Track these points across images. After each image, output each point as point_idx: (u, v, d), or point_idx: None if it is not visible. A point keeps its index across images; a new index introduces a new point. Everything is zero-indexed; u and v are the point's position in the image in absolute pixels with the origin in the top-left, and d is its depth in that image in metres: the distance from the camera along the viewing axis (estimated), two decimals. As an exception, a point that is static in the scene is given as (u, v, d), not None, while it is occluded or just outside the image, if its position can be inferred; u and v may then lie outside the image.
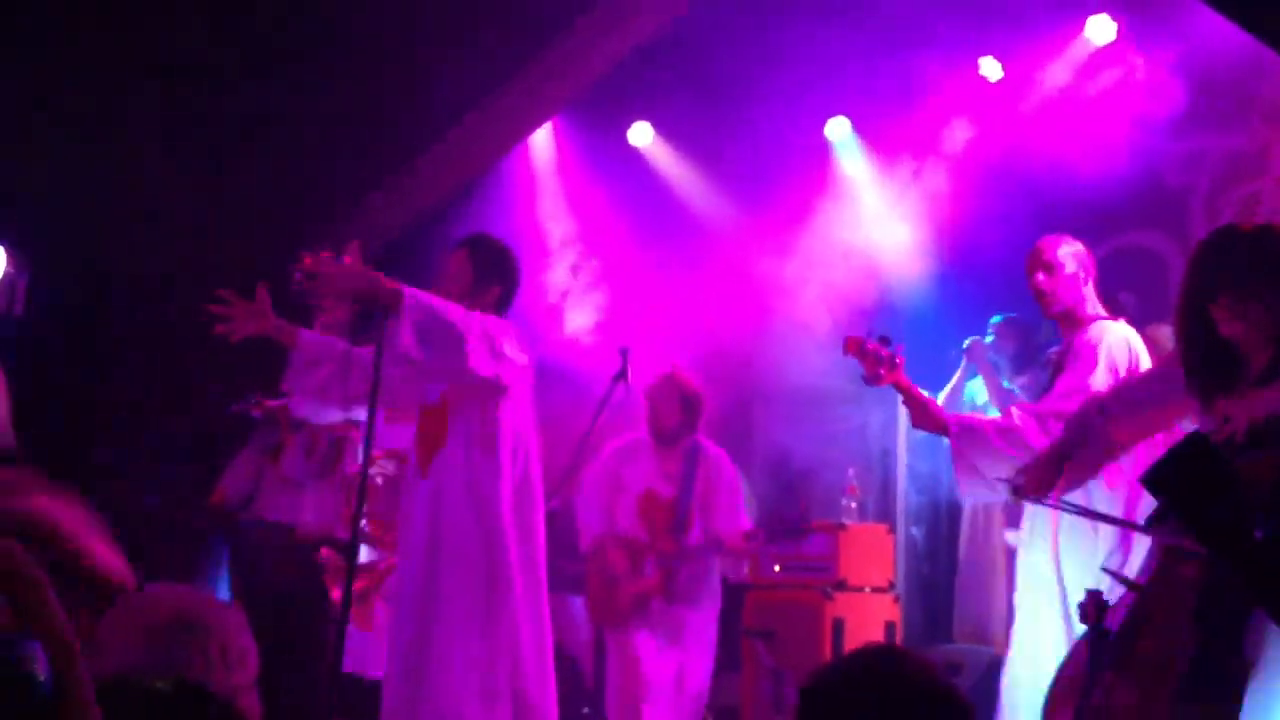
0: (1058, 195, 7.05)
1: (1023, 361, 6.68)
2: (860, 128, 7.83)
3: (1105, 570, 3.40)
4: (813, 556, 6.12)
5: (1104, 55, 7.07)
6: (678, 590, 5.60)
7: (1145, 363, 4.44)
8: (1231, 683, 2.92)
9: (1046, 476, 3.78)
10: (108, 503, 7.02)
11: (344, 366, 4.56)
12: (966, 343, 6.78)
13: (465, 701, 4.35)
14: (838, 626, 5.92)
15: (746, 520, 5.76)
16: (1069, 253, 4.60)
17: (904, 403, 4.57)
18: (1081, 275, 4.60)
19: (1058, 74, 7.17)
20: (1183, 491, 2.47)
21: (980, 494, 4.57)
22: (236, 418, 6.10)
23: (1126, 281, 7.07)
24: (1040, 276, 4.58)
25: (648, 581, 5.62)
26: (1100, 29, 7.02)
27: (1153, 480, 2.57)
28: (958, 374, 6.83)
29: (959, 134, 7.41)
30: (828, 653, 5.80)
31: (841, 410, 7.24)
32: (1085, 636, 3.01)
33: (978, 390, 6.85)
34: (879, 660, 2.16)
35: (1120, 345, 4.46)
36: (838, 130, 7.86)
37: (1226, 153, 7.02)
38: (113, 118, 7.11)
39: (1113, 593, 3.10)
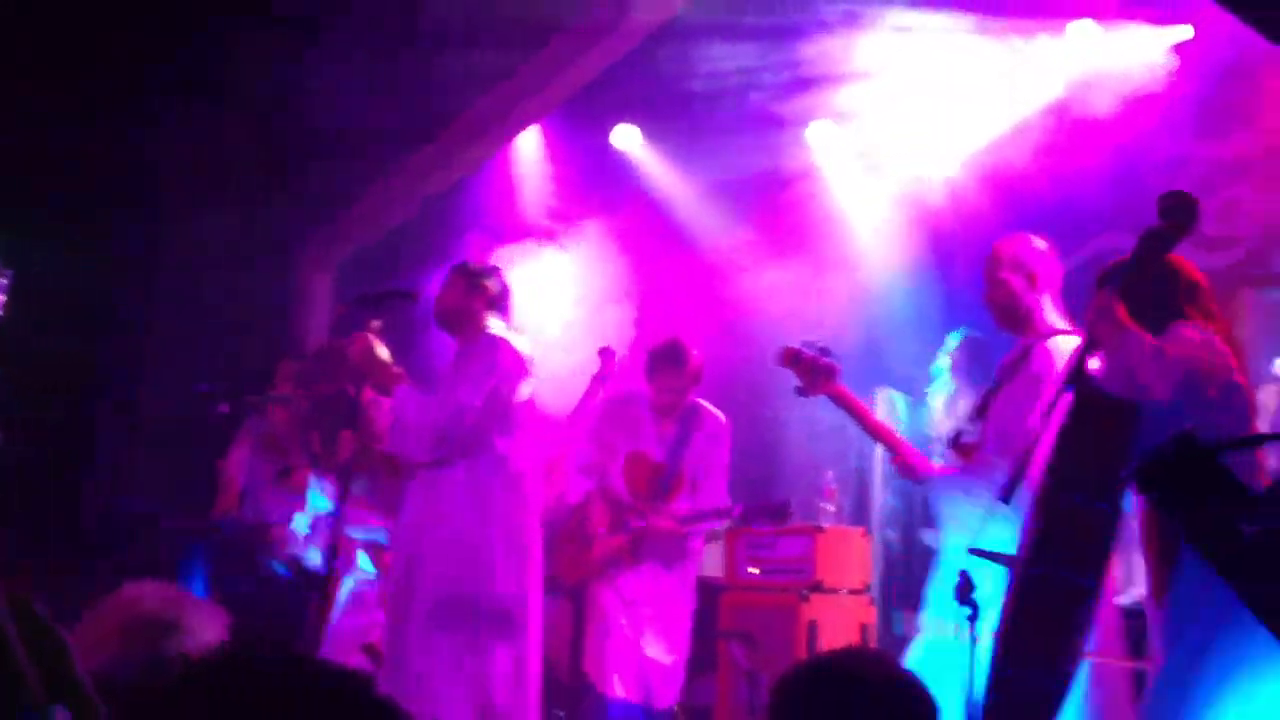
0: (1038, 200, 7.10)
1: (977, 375, 6.72)
2: (842, 132, 7.87)
3: (973, 551, 3.52)
4: (789, 559, 6.13)
5: (1085, 61, 7.12)
6: (646, 554, 5.56)
7: None
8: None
9: None
10: (88, 503, 7.05)
11: None
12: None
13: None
14: (813, 629, 5.93)
15: (725, 496, 5.72)
16: (1025, 255, 4.31)
17: (861, 426, 4.47)
18: (1038, 280, 4.30)
19: (1039, 80, 7.21)
20: (1172, 490, 2.51)
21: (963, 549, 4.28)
22: (218, 420, 6.13)
23: (1104, 286, 7.13)
24: (985, 287, 4.35)
25: (616, 542, 5.60)
26: (1082, 34, 7.08)
27: (1142, 478, 2.62)
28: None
29: (938, 140, 7.45)
30: (803, 654, 5.82)
31: (818, 412, 7.27)
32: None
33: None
34: (848, 659, 2.21)
35: None
36: (820, 134, 7.90)
37: (1206, 159, 7.07)
38: (116, 128, 7.18)
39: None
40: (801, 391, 4.50)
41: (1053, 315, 4.32)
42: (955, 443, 4.38)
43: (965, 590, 3.25)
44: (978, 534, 4.08)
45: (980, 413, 4.36)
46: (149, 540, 5.99)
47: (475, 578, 4.59)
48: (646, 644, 5.54)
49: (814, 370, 4.45)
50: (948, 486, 4.31)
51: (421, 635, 4.55)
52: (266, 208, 7.63)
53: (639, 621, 5.55)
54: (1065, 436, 3.31)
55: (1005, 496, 3.37)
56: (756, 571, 6.19)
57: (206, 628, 2.27)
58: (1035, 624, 3.16)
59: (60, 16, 6.82)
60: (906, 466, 4.42)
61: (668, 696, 5.59)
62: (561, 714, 5.78)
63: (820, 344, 4.50)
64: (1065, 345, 4.17)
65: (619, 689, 5.48)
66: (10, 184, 6.80)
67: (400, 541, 4.85)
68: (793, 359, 4.49)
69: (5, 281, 5.98)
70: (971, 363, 6.58)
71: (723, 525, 5.90)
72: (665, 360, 5.70)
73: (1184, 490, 2.53)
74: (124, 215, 7.56)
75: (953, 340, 6.68)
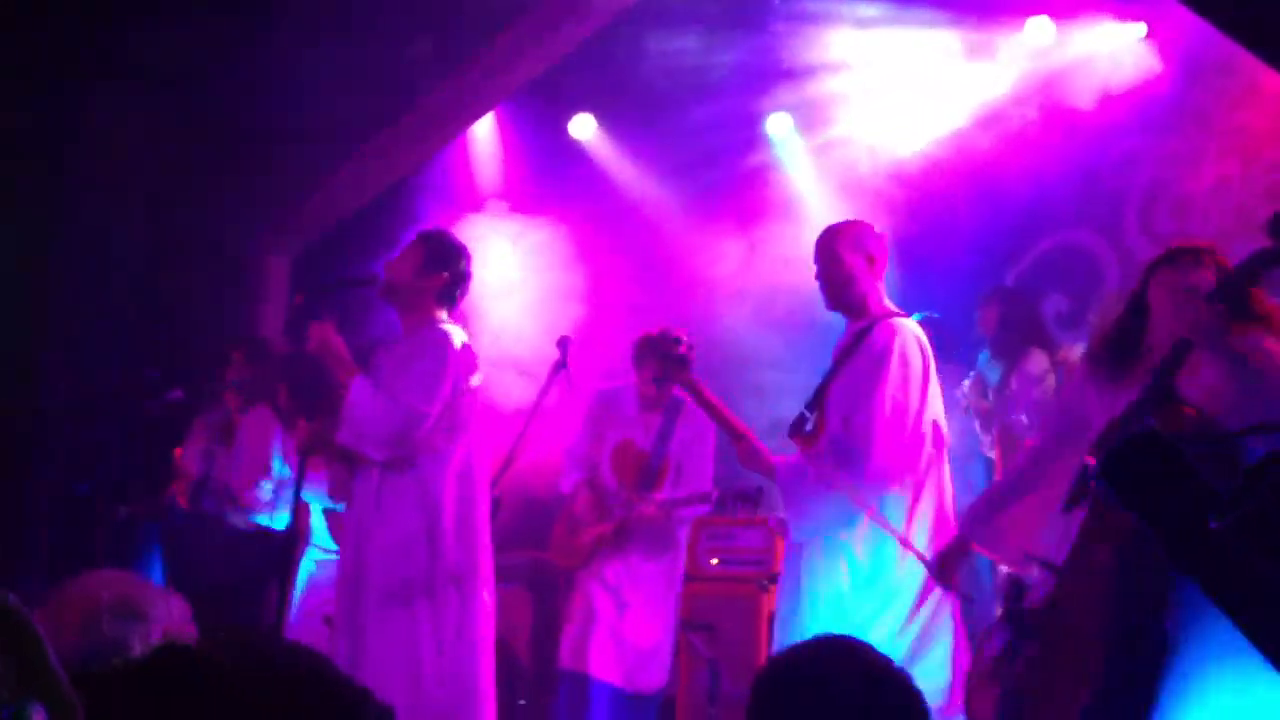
0: (994, 194, 7.15)
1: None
2: (800, 124, 7.87)
3: (1027, 556, 3.48)
4: (749, 549, 6.14)
5: (1043, 56, 7.16)
6: (631, 541, 5.65)
7: (931, 363, 4.25)
8: (1151, 655, 2.99)
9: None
10: (39, 491, 6.95)
11: None
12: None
13: (392, 692, 4.39)
14: (774, 619, 5.94)
15: (709, 485, 5.78)
16: (866, 238, 4.33)
17: (711, 416, 4.44)
18: (876, 265, 4.33)
19: (996, 73, 7.25)
20: (1138, 485, 2.48)
21: (807, 535, 4.27)
22: (171, 406, 6.07)
23: (1060, 279, 7.20)
24: (820, 265, 4.34)
25: (602, 527, 5.69)
26: (1039, 30, 7.12)
27: (1107, 473, 2.59)
28: None
29: (897, 133, 7.47)
30: (763, 645, 5.82)
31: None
32: (1005, 617, 3.14)
33: None
34: (833, 648, 2.18)
35: (912, 346, 4.22)
36: (778, 126, 7.90)
37: (1161, 156, 7.13)
38: (65, 110, 7.09)
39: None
40: (658, 380, 4.51)
41: (887, 300, 4.36)
42: (797, 430, 4.34)
43: (1014, 597, 3.17)
44: (820, 520, 4.11)
45: (818, 399, 4.33)
46: (102, 526, 5.90)
47: (421, 569, 4.56)
48: (629, 629, 5.59)
49: (668, 359, 4.41)
50: (793, 474, 4.26)
51: (368, 624, 4.51)
52: (223, 195, 7.54)
53: (622, 607, 5.61)
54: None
55: (1068, 506, 3.29)
56: (717, 562, 6.19)
57: (169, 615, 2.23)
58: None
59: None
60: (753, 456, 4.36)
61: (651, 681, 5.64)
62: (523, 702, 5.77)
63: (675, 335, 4.50)
64: (906, 324, 4.26)
65: (601, 672, 5.53)
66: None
67: (348, 534, 4.78)
68: (649, 346, 4.49)
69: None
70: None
71: (705, 511, 5.92)
72: (654, 349, 5.67)
73: (1147, 488, 2.51)
74: (74, 198, 7.45)
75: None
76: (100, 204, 7.41)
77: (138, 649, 2.13)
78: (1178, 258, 3.49)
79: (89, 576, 2.30)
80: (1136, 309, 3.52)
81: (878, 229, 4.55)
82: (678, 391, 5.83)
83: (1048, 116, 7.11)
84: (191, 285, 7.49)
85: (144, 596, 2.23)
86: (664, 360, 4.46)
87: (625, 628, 5.60)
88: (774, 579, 6.03)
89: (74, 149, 7.38)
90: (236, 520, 5.76)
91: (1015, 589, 3.16)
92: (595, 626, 5.57)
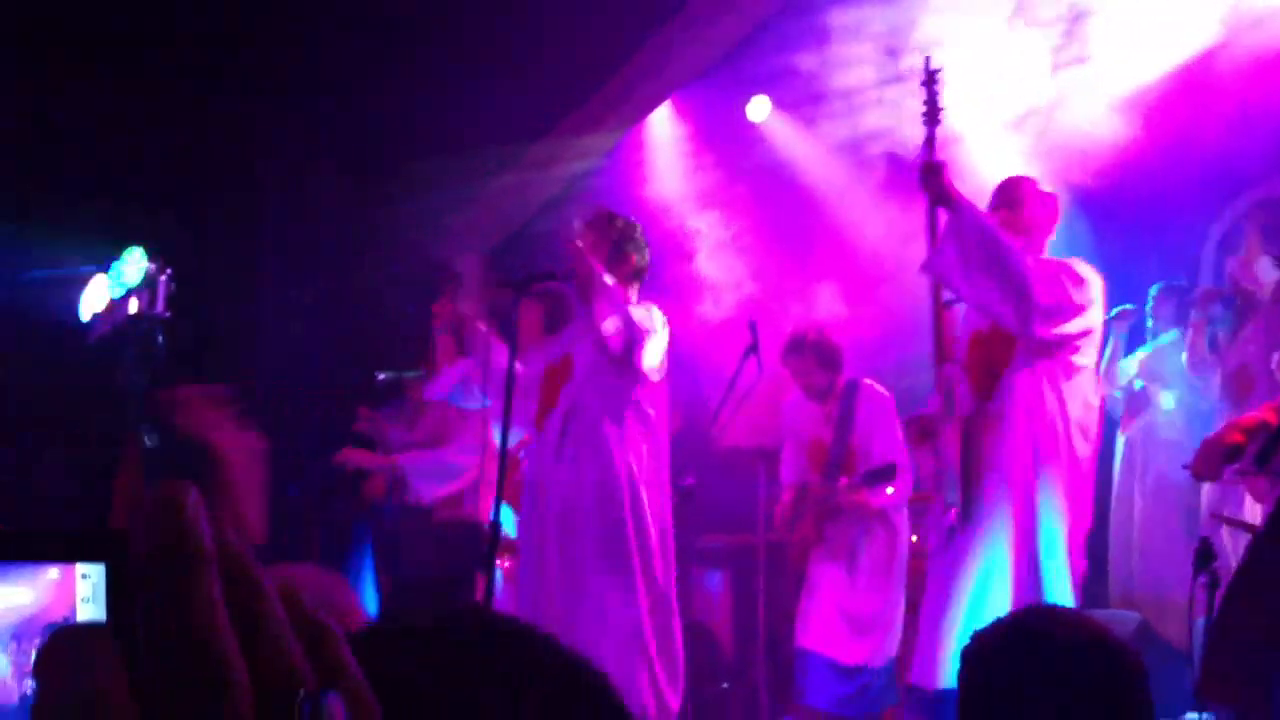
0: (1197, 150, 6.85)
1: (1182, 319, 6.53)
2: (977, 91, 7.64)
3: (1215, 516, 3.42)
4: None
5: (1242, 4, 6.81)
6: (833, 530, 5.68)
7: None
8: None
9: None
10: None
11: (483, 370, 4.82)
12: (1113, 313, 6.67)
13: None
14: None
15: (898, 456, 5.73)
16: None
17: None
18: None
19: (1196, 26, 6.93)
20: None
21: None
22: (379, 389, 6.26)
23: (1269, 234, 6.85)
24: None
25: (804, 529, 5.73)
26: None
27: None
28: (1110, 345, 6.72)
29: (1088, 95, 7.20)
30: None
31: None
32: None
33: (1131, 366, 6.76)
34: (1041, 618, 2.12)
35: None
36: (953, 95, 7.66)
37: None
38: (257, 124, 7.37)
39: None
40: (927, 119, 4.54)
41: None
42: None
43: (1205, 557, 3.11)
44: None
45: None
46: (316, 526, 6.14)
47: (628, 527, 4.62)
48: (849, 602, 5.60)
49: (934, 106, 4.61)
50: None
51: (575, 589, 4.58)
52: (412, 196, 7.74)
53: (834, 594, 5.63)
54: None
55: (1261, 461, 3.20)
56: (915, 540, 6.10)
57: (355, 612, 2.28)
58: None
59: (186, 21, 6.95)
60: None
61: (874, 654, 5.59)
62: (726, 685, 5.80)
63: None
64: None
65: (823, 647, 5.55)
66: (164, 178, 7.02)
67: (547, 495, 4.80)
68: (932, 76, 4.72)
69: (165, 279, 6.17)
70: (1178, 308, 6.48)
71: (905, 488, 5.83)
72: (789, 352, 5.94)
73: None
74: (268, 210, 7.74)
75: (1154, 291, 6.53)
76: (293, 214, 7.68)
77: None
78: None
79: (281, 569, 2.38)
80: None
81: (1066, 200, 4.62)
82: (850, 379, 5.92)
83: (1244, 66, 6.76)
84: (385, 289, 7.72)
85: (333, 589, 2.28)
86: (932, 109, 4.71)
87: (846, 600, 5.62)
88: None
89: (266, 163, 7.67)
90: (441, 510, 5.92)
91: (1206, 551, 3.08)
92: (815, 602, 5.60)
